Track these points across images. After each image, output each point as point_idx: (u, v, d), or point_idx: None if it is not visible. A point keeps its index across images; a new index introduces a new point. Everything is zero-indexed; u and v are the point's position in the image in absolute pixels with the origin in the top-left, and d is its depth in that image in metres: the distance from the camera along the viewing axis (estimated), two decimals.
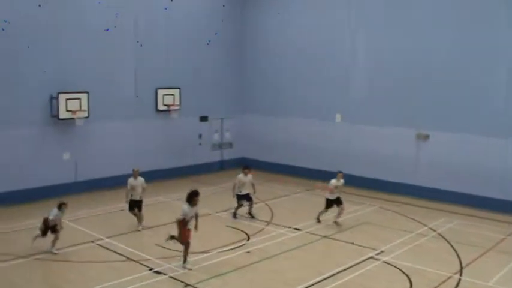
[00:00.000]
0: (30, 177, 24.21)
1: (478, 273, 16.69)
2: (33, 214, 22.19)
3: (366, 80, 27.75)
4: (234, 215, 22.28)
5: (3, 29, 23.07)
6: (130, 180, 20.67)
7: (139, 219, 20.78)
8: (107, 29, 24.45)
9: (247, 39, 32.90)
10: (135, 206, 20.67)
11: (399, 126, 26.44)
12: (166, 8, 26.08)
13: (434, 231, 20.93)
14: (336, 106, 28.93)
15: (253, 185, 22.24)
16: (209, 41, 28.55)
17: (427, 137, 25.60)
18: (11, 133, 23.80)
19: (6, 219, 21.77)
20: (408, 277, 16.27)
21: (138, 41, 27.43)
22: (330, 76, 29.04)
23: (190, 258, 17.20)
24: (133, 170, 20.89)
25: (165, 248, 18.08)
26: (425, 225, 21.57)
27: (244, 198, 22.10)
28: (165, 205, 24.35)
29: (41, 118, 24.70)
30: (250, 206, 22.31)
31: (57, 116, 24.61)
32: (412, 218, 22.63)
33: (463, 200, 24.54)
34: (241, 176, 22.09)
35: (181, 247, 16.83)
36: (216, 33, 29.11)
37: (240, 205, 22.24)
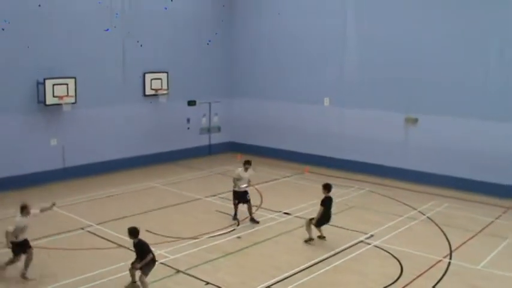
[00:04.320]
0: (18, 164, 23.99)
1: (467, 257, 16.83)
2: (20, 201, 22.07)
3: (355, 64, 27.68)
4: (235, 216, 20.17)
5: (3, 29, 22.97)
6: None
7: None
8: (107, 29, 24.01)
9: (237, 22, 32.62)
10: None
11: (388, 110, 26.43)
12: (166, 8, 25.45)
13: (424, 214, 21.03)
14: (325, 90, 28.86)
15: (249, 181, 20.19)
16: (209, 41, 27.71)
17: (416, 120, 25.64)
18: None
19: None
20: (398, 261, 16.37)
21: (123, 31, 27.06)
22: (320, 60, 28.95)
23: (182, 243, 17.28)
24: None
25: (155, 234, 18.08)
26: (415, 209, 21.66)
27: (241, 196, 19.96)
28: (154, 190, 24.25)
29: (28, 104, 24.36)
30: (250, 210, 20.04)
31: (44, 102, 24.36)
32: (401, 202, 22.71)
33: (452, 183, 24.64)
34: (240, 170, 20.03)
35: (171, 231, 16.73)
36: (216, 33, 28.12)
37: (235, 205, 20.18)
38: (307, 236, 17.90)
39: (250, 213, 19.96)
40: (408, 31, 25.68)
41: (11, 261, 15.04)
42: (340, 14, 28.04)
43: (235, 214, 20.20)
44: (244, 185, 19.81)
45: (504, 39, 23.19)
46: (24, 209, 14.95)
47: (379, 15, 26.75)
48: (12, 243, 14.74)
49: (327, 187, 18.19)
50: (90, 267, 15.68)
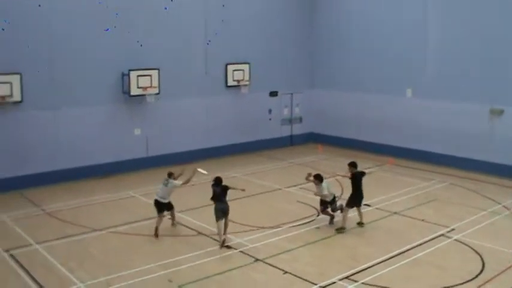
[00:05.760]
0: (104, 153, 24.87)
1: None
2: (106, 188, 22.87)
3: (438, 54, 27.14)
4: (331, 220, 18.84)
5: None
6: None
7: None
8: (107, 29, 24.40)
9: (318, 12, 32.58)
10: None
11: (472, 101, 25.77)
12: (166, 8, 25.85)
13: (508, 209, 20.46)
14: (407, 81, 28.45)
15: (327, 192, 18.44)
16: (209, 40, 27.78)
17: (501, 112, 24.94)
18: (84, 110, 24.38)
19: (81, 193, 22.41)
20: (480, 256, 16.03)
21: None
22: (401, 50, 28.53)
23: (261, 232, 17.44)
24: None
25: (235, 222, 18.25)
26: (499, 203, 21.10)
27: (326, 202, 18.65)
28: (235, 180, 24.42)
29: (113, 95, 25.21)
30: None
31: (128, 93, 25.05)
32: (484, 196, 22.16)
33: None
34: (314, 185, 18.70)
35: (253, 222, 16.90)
36: (216, 33, 28.15)
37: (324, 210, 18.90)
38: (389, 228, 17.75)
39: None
40: (493, 18, 24.94)
41: (159, 222, 17.65)
42: (421, 2, 27.59)
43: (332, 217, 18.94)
44: (326, 193, 18.37)
45: None
46: (172, 175, 18.27)
47: (461, 2, 26.15)
48: (159, 203, 17.89)
49: (352, 164, 18.69)
50: (170, 254, 16.06)
